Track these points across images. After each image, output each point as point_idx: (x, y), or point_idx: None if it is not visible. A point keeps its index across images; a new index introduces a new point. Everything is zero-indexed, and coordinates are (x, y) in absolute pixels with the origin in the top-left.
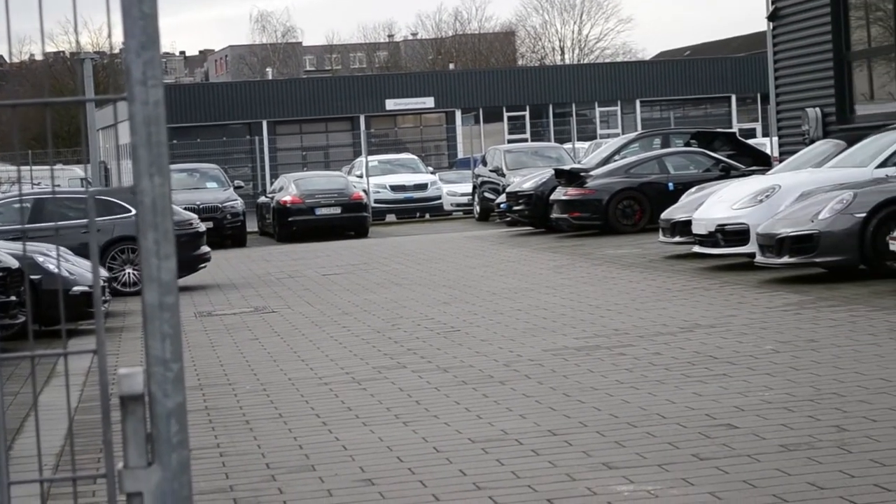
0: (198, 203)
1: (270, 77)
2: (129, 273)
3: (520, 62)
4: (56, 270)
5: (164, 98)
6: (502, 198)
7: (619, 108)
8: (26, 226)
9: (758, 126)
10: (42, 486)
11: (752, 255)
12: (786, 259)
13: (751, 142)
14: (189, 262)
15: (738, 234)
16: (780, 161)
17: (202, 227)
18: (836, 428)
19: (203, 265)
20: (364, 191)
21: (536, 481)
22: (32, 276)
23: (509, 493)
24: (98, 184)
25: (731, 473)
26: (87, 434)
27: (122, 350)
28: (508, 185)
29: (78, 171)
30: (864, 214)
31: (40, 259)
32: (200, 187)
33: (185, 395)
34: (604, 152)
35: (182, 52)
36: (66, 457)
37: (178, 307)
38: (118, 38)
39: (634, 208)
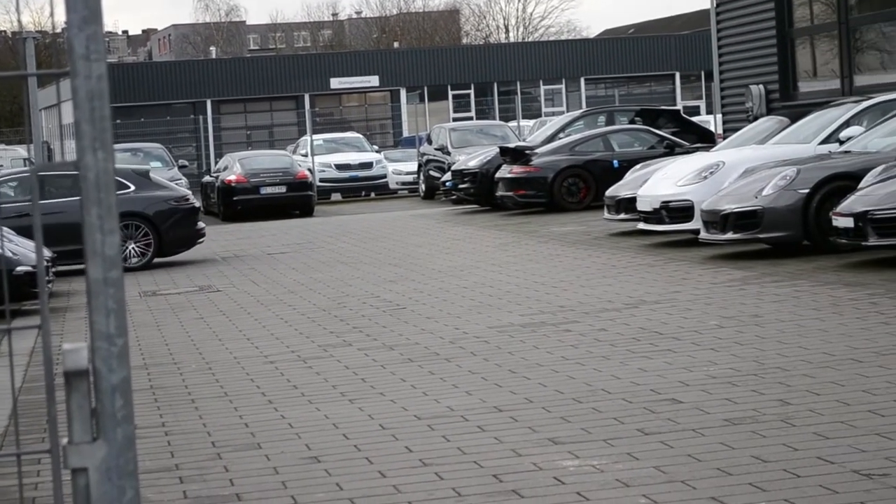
0: None
1: (214, 56)
2: (131, 248)
3: (464, 40)
4: None
5: (107, 73)
6: (447, 176)
7: (563, 86)
8: (24, 203)
9: (702, 103)
10: None
11: (697, 232)
12: (730, 235)
13: (695, 119)
14: (188, 237)
15: (682, 211)
16: (724, 138)
17: (197, 202)
18: (780, 402)
19: (200, 240)
20: (309, 170)
21: (482, 457)
22: None
23: (455, 469)
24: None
25: (676, 447)
26: (31, 413)
27: (66, 329)
28: (454, 163)
29: (20, 150)
30: (807, 190)
31: None
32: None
33: (130, 371)
34: (549, 130)
35: (125, 32)
36: (10, 436)
37: (123, 282)
38: (60, 17)
39: (579, 186)
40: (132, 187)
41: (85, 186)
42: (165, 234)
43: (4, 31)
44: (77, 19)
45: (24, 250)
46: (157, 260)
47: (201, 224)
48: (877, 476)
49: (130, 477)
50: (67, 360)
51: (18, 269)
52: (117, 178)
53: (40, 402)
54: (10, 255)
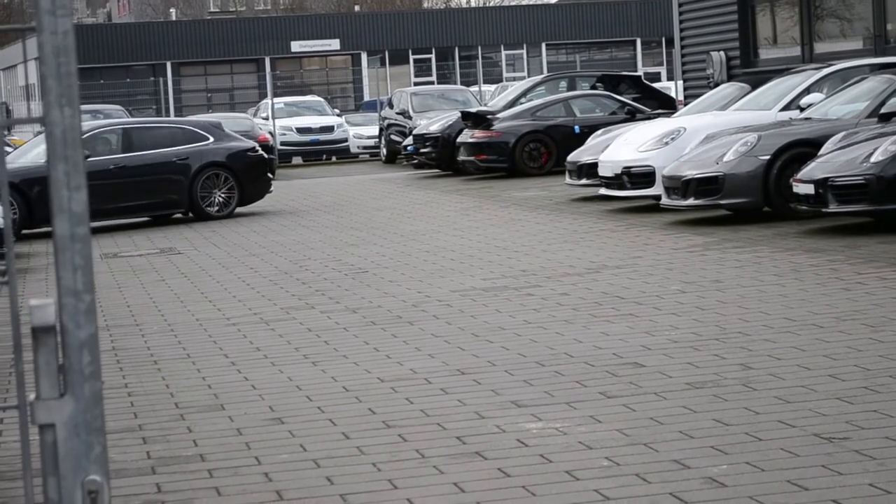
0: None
1: (174, 18)
2: (217, 196)
3: (425, 4)
4: None
5: (72, 29)
6: (409, 140)
7: (524, 52)
8: (120, 156)
9: (663, 70)
10: None
11: (658, 198)
12: (691, 201)
13: (656, 85)
14: (262, 188)
15: (643, 177)
16: (685, 104)
17: (264, 154)
18: (742, 366)
19: (270, 191)
20: (270, 133)
21: (446, 419)
22: None
23: (419, 431)
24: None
25: (638, 411)
26: None
27: (27, 290)
28: (415, 127)
29: None
30: (767, 157)
31: None
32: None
33: (97, 327)
34: (510, 95)
35: None
36: None
37: (90, 239)
38: None
39: (541, 151)
40: (210, 138)
41: (51, 142)
42: (246, 183)
43: None
44: None
45: None
46: (238, 209)
47: (269, 175)
48: (837, 440)
49: (98, 433)
50: (35, 315)
51: None
52: (196, 128)
53: (2, 362)
54: None
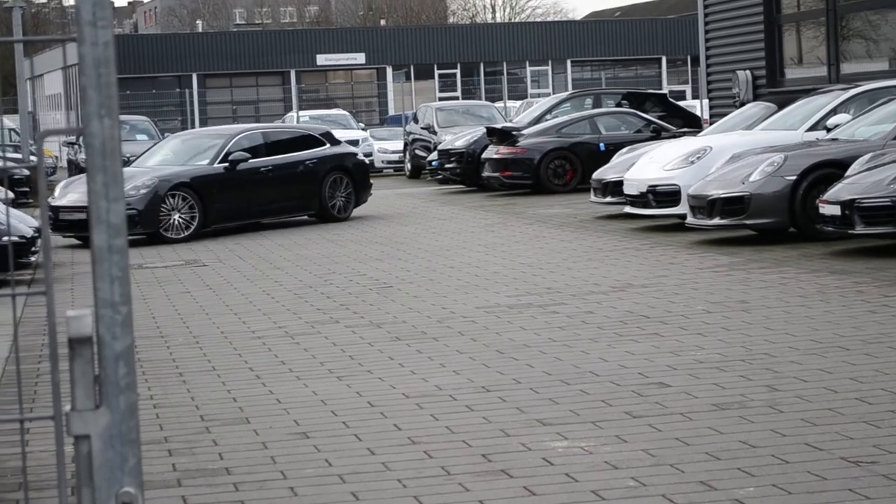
0: (127, 155)
1: (200, 30)
2: (338, 199)
3: (451, 20)
4: None
5: (113, 40)
6: (434, 155)
7: (549, 68)
8: (266, 158)
9: (688, 88)
10: None
11: (683, 217)
12: (717, 221)
13: (681, 104)
14: (368, 191)
15: (669, 195)
16: (710, 123)
17: (366, 159)
18: (768, 388)
19: (370, 195)
20: None
21: (471, 437)
22: None
23: (444, 448)
24: (27, 134)
25: (664, 431)
26: (17, 382)
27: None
28: (440, 142)
29: (7, 121)
30: (794, 177)
31: None
32: (130, 139)
33: (133, 338)
34: (535, 111)
35: (111, 3)
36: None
37: (127, 250)
38: None
39: (566, 168)
40: (327, 143)
41: (90, 154)
42: (360, 187)
43: None
44: None
45: (13, 220)
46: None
47: (371, 181)
48: (865, 464)
49: (133, 445)
50: (72, 326)
51: (4, 238)
52: (314, 134)
53: (28, 372)
54: None
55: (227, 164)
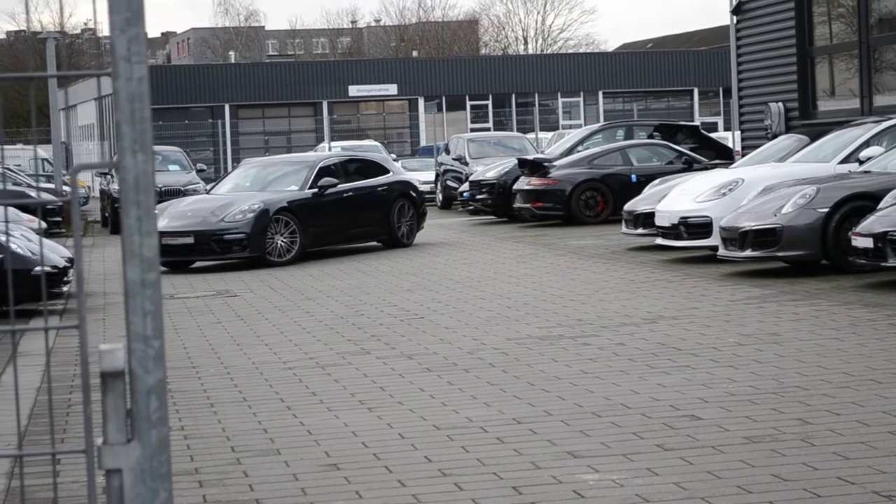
0: (160, 186)
1: (233, 61)
2: (405, 225)
3: (483, 51)
4: (20, 251)
5: (147, 75)
6: (465, 186)
7: (581, 99)
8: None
9: (720, 120)
10: (19, 461)
11: (715, 248)
12: (748, 252)
13: (713, 135)
14: (422, 220)
15: (701, 227)
16: (742, 155)
17: (421, 187)
18: (800, 421)
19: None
20: None
21: (502, 469)
22: None
23: (475, 480)
24: (59, 164)
25: (696, 464)
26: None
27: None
28: (471, 173)
29: (40, 151)
30: (826, 209)
31: (2, 239)
32: (162, 170)
33: (166, 373)
34: (567, 143)
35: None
36: (30, 436)
37: (160, 284)
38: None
39: (597, 199)
40: (391, 171)
41: (124, 188)
42: (421, 214)
43: (24, 31)
44: (120, 21)
45: (45, 251)
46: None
47: (425, 209)
48: None
49: (164, 479)
50: (104, 360)
51: (37, 269)
52: (380, 162)
53: (59, 403)
54: (29, 254)
55: (315, 190)
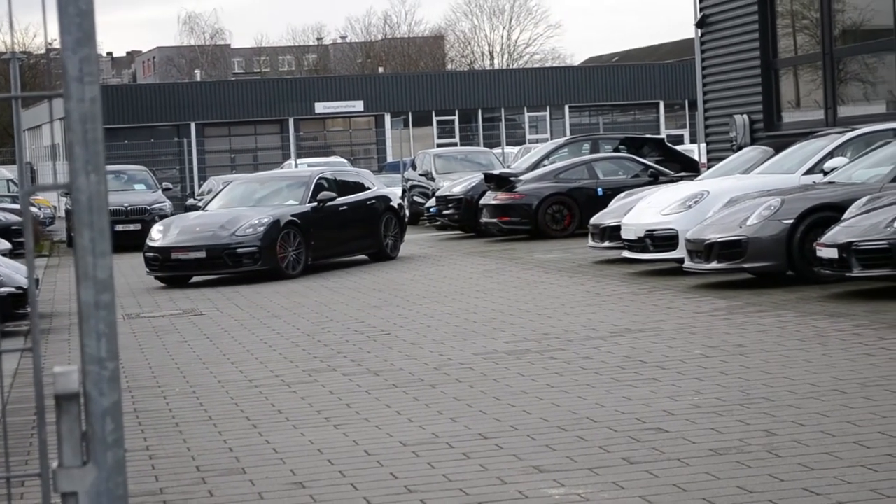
0: (125, 205)
1: (199, 79)
2: (390, 238)
3: (449, 66)
4: None
5: (100, 96)
6: (432, 202)
7: (548, 114)
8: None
9: (685, 132)
10: None
11: (681, 261)
12: (714, 265)
13: (679, 148)
14: (404, 234)
15: (667, 240)
16: (708, 167)
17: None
18: (765, 432)
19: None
20: None
21: (468, 485)
22: None
23: (441, 497)
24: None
25: (662, 477)
26: (14, 436)
27: (50, 351)
28: (438, 189)
29: (4, 171)
30: (791, 221)
31: None
32: (128, 189)
33: (121, 395)
34: (533, 157)
35: (109, 54)
36: None
37: (115, 306)
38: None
39: (564, 213)
40: (374, 185)
41: (77, 209)
42: (403, 228)
43: None
44: (71, 41)
45: (9, 271)
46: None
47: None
48: None
49: (121, 501)
50: (58, 383)
51: (1, 290)
52: (364, 177)
53: (18, 425)
54: None
55: (315, 204)
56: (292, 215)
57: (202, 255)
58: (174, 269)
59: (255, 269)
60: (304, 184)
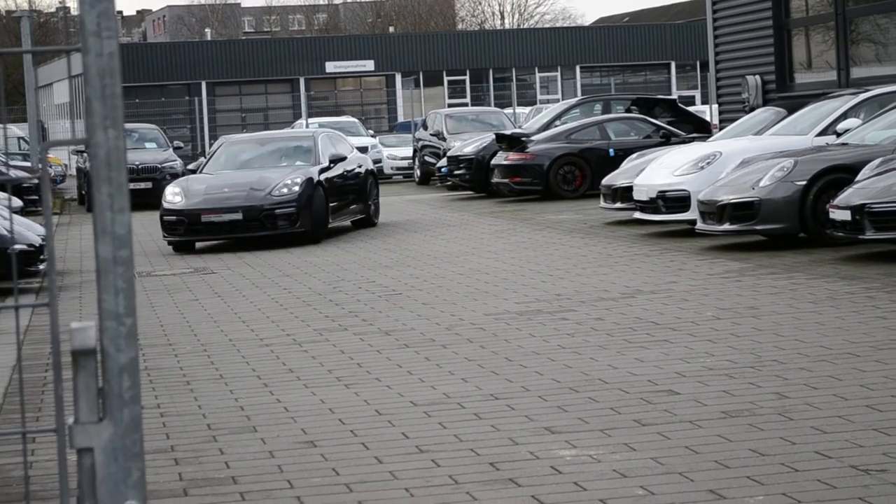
0: (136, 163)
1: (209, 38)
2: (373, 203)
3: (459, 26)
4: None
5: (118, 50)
6: (443, 162)
7: (559, 74)
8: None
9: (697, 93)
10: None
11: (693, 222)
12: (726, 226)
13: (691, 109)
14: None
15: (679, 201)
16: (720, 128)
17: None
18: (777, 395)
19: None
20: None
21: (479, 445)
22: None
23: (452, 457)
24: (36, 142)
25: (673, 439)
26: (25, 392)
27: (61, 308)
28: (449, 149)
29: (15, 129)
30: (804, 182)
31: None
32: (139, 147)
33: (138, 351)
34: (545, 118)
35: (120, 12)
36: (4, 414)
37: (132, 262)
38: None
39: (575, 174)
40: (355, 150)
41: (95, 164)
42: (378, 192)
43: None
44: None
45: (21, 228)
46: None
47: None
48: (875, 472)
49: (136, 458)
50: (75, 338)
51: (14, 247)
52: (344, 138)
53: (31, 381)
54: (4, 232)
55: (326, 164)
56: (319, 174)
57: (238, 216)
58: (201, 234)
59: (291, 232)
60: (308, 145)
